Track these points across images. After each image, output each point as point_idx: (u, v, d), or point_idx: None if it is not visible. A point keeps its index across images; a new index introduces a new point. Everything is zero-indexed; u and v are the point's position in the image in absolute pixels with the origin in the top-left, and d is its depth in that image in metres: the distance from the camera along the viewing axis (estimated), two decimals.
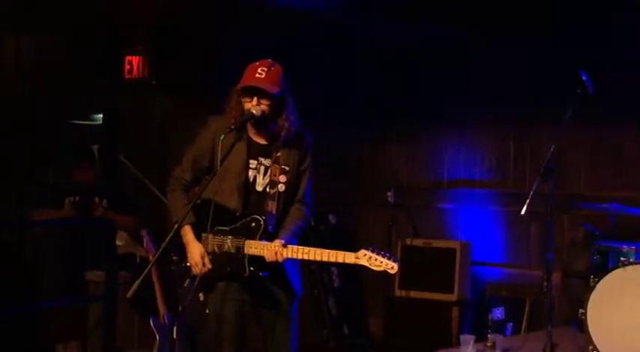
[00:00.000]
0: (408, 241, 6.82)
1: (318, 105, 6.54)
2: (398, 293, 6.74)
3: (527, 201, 4.87)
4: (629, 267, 4.81)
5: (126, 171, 6.00)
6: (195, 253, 3.90)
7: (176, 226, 3.78)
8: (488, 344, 5.24)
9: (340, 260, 3.78)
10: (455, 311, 6.47)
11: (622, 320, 4.73)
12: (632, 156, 6.36)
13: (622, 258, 5.05)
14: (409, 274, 6.65)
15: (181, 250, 3.97)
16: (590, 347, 4.81)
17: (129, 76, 6.75)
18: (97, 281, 5.66)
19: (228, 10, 6.12)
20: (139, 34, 6.60)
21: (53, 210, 5.85)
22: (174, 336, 4.41)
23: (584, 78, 4.93)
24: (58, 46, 6.55)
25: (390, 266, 3.71)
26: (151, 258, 5.39)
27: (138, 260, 5.82)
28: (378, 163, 7.55)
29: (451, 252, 6.65)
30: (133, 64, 6.66)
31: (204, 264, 3.90)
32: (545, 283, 5.30)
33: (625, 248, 5.15)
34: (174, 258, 4.02)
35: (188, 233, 3.94)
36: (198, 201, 3.90)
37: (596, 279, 4.88)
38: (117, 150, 6.24)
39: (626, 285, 4.76)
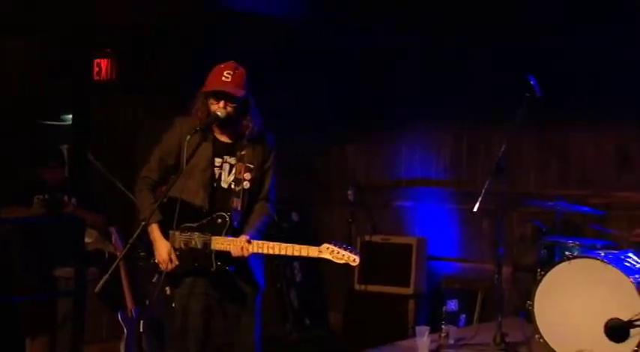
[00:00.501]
0: (367, 237, 6.84)
1: (282, 107, 6.54)
2: (357, 287, 6.76)
3: (480, 199, 4.91)
4: (574, 261, 4.84)
5: (95, 171, 5.96)
6: (163, 250, 3.90)
7: (143, 224, 3.78)
8: (443, 335, 5.28)
9: (304, 254, 3.80)
10: (411, 304, 6.53)
11: (566, 310, 4.76)
12: (577, 156, 6.45)
13: (567, 252, 5.11)
14: (368, 269, 6.65)
15: (149, 246, 3.96)
16: (537, 336, 4.85)
17: (97, 78, 6.70)
18: (67, 277, 5.61)
19: (194, 14, 6.10)
20: (108, 37, 6.55)
21: (23, 208, 5.79)
22: (141, 330, 4.38)
23: (532, 82, 5.01)
24: (29, 49, 6.48)
25: (352, 258, 3.74)
26: (118, 254, 5.36)
27: (106, 256, 5.78)
28: (339, 163, 7.55)
29: (408, 247, 6.69)
30: (102, 66, 6.62)
31: (171, 261, 3.89)
32: (496, 276, 5.35)
33: (570, 243, 5.23)
34: (141, 254, 4.00)
35: (155, 231, 3.93)
36: (165, 200, 3.88)
37: (543, 273, 4.90)
38: (86, 150, 6.19)
39: (571, 278, 4.78)
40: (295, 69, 7.08)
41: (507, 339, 5.03)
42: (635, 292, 4.50)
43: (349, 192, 7.06)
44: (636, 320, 4.34)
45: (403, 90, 7.09)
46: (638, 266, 4.78)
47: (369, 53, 7.12)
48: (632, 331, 4.38)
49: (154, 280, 3.97)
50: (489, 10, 6.21)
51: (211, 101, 3.88)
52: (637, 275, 4.63)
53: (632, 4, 5.73)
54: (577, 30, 6.11)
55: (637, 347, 4.33)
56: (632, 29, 5.94)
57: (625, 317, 4.41)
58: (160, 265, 3.90)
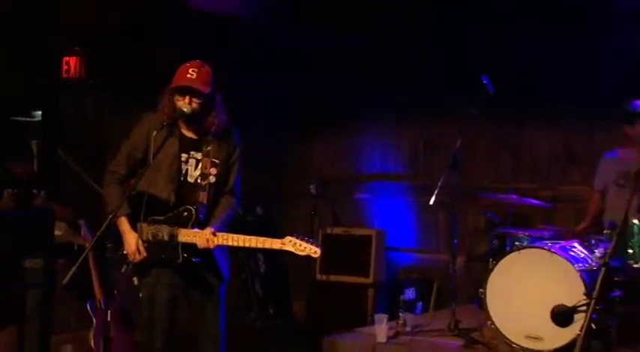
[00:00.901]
0: (329, 230, 6.88)
1: (247, 104, 6.53)
2: (319, 277, 6.79)
3: (436, 192, 4.98)
4: (523, 251, 4.88)
5: (64, 165, 5.90)
6: (131, 242, 3.89)
7: (110, 216, 3.77)
8: (400, 322, 5.32)
9: (267, 246, 3.81)
10: (370, 293, 6.56)
11: (516, 297, 4.79)
12: (527, 152, 6.55)
13: (517, 243, 5.16)
14: (329, 259, 6.69)
15: (117, 238, 3.95)
16: (489, 322, 4.88)
17: (66, 76, 6.63)
18: (36, 268, 5.56)
19: (160, 14, 6.06)
20: (76, 36, 6.48)
21: None
22: (109, 319, 4.37)
23: (485, 81, 5.07)
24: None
25: (314, 250, 3.76)
26: (87, 246, 5.33)
27: (75, 248, 5.73)
28: (302, 159, 7.57)
29: (368, 239, 6.73)
30: (70, 64, 6.55)
31: (139, 252, 3.89)
32: (450, 266, 5.43)
33: (520, 234, 5.25)
34: (109, 246, 4.00)
35: (124, 223, 3.92)
36: (133, 193, 3.88)
37: (495, 262, 4.93)
38: (55, 145, 6.13)
39: (520, 267, 4.82)
40: (260, 68, 7.07)
41: (461, 325, 5.12)
42: (579, 280, 4.55)
43: (312, 186, 7.07)
44: (580, 306, 4.41)
45: (364, 89, 7.13)
46: (582, 255, 4.83)
47: (332, 53, 7.14)
48: (576, 316, 4.46)
49: (122, 271, 3.97)
50: (443, 14, 6.26)
51: (177, 97, 3.87)
52: (581, 264, 4.70)
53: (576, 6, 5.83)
54: (525, 30, 6.20)
55: (580, 331, 4.41)
56: (577, 32, 6.05)
57: (570, 304, 4.47)
58: (129, 256, 3.90)
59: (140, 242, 3.89)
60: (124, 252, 3.92)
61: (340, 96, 7.24)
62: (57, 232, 5.76)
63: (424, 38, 6.64)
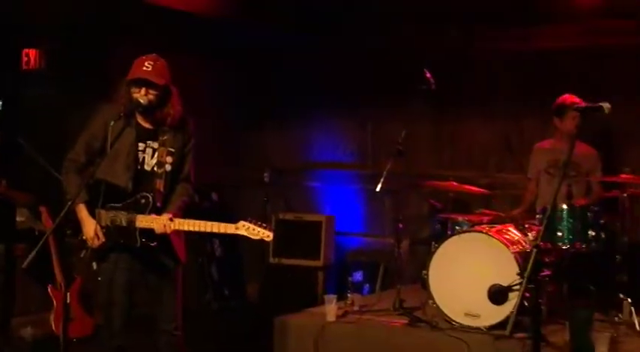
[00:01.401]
0: (281, 215, 6.87)
1: (204, 97, 6.49)
2: (272, 260, 6.79)
3: (382, 180, 5.00)
4: (463, 235, 4.95)
5: (25, 154, 5.79)
6: (90, 228, 3.85)
7: (69, 203, 3.72)
8: (348, 302, 5.33)
9: (222, 230, 3.82)
10: (320, 275, 6.60)
11: (456, 278, 4.84)
12: (467, 142, 6.63)
13: (457, 227, 5.22)
14: (282, 244, 6.70)
15: (76, 225, 3.91)
16: (431, 302, 4.93)
17: (26, 68, 6.50)
18: None
19: (117, 6, 5.97)
20: (37, 28, 6.34)
21: None
22: (69, 301, 4.32)
23: (427, 75, 5.12)
24: None
25: (266, 234, 3.78)
26: (48, 231, 5.27)
27: (37, 233, 5.65)
28: (256, 148, 7.53)
29: (318, 224, 6.75)
30: (30, 56, 6.42)
31: (98, 237, 3.86)
32: (396, 249, 5.46)
33: (460, 218, 5.30)
34: (68, 232, 3.95)
35: (82, 210, 3.88)
36: (91, 181, 3.85)
37: (437, 245, 4.97)
38: (16, 135, 6.01)
39: (460, 249, 4.87)
40: (217, 62, 7.02)
41: (405, 305, 5.16)
42: (513, 261, 4.63)
43: (265, 174, 7.07)
44: (514, 285, 4.49)
45: (316, 84, 7.12)
46: (517, 238, 4.91)
47: (286, 50, 7.10)
48: (511, 295, 4.51)
49: (81, 256, 3.93)
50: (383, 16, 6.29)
51: (133, 89, 3.85)
52: (515, 247, 4.77)
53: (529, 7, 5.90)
54: (468, 31, 6.28)
55: (513, 309, 4.49)
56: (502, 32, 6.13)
57: (505, 283, 4.49)
58: (88, 241, 3.86)
59: (98, 228, 3.85)
60: (83, 237, 3.89)
61: (293, 90, 7.23)
62: (19, 218, 5.69)
63: (371, 39, 6.66)
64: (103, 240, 3.86)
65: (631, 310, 4.85)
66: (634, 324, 4.79)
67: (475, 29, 6.26)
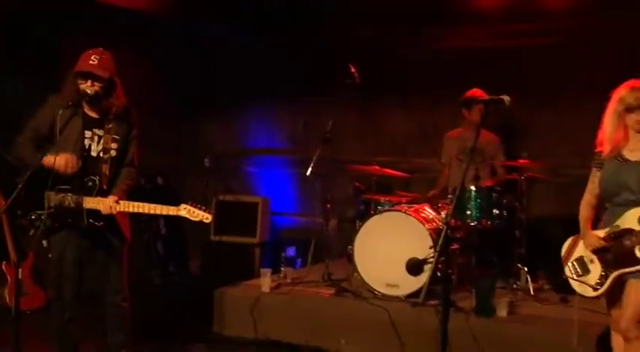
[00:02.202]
0: (221, 197, 6.83)
1: (150, 88, 6.37)
2: (213, 238, 6.76)
3: (312, 165, 5.04)
4: (384, 214, 5.02)
5: None
6: (62, 160, 3.72)
7: (28, 173, 3.56)
8: (282, 275, 5.40)
9: (165, 212, 3.80)
10: (257, 251, 6.61)
11: (378, 252, 4.92)
12: (388, 131, 6.71)
13: (379, 207, 5.28)
14: (222, 223, 6.69)
15: (26, 206, 3.82)
16: (355, 274, 5.01)
17: None
18: None
19: (64, 4, 5.80)
20: None
21: None
22: (20, 277, 4.22)
23: (352, 70, 5.15)
24: None
25: (206, 216, 3.77)
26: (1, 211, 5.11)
27: None
28: (198, 136, 7.47)
29: (254, 205, 6.75)
30: None
31: (72, 165, 3.73)
32: (324, 227, 5.53)
33: (382, 199, 5.37)
34: (18, 212, 3.86)
35: (48, 160, 3.72)
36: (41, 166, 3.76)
37: (361, 223, 5.04)
38: None
39: (382, 227, 4.95)
40: (163, 57, 6.90)
41: (333, 277, 5.23)
42: (428, 237, 4.73)
43: (206, 160, 7.01)
44: (429, 258, 4.59)
45: (252, 77, 7.08)
46: (431, 216, 5.02)
47: (225, 45, 7.05)
48: (425, 267, 4.66)
49: (30, 234, 3.85)
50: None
51: (80, 81, 3.79)
52: (430, 224, 4.87)
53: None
54: (386, 29, 6.33)
55: (427, 280, 4.57)
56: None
57: (421, 257, 4.67)
58: (64, 168, 3.73)
59: (70, 158, 3.72)
60: (32, 217, 3.81)
61: (232, 83, 7.17)
62: None
63: (304, 39, 6.67)
64: (76, 168, 3.74)
65: (527, 278, 5.04)
66: (529, 290, 4.98)
67: (396, 29, 6.32)
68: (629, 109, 3.39)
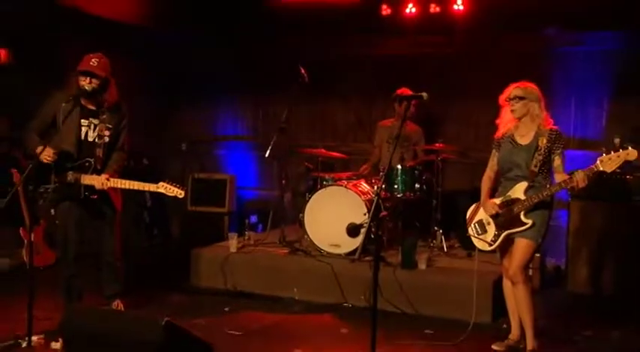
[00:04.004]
0: (196, 175, 6.78)
1: (138, 85, 6.24)
2: (190, 208, 6.72)
3: (270, 149, 5.05)
4: (328, 188, 5.05)
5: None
6: (43, 150, 3.71)
7: (34, 160, 3.63)
8: (246, 238, 5.41)
9: (146, 188, 3.84)
10: (226, 219, 6.58)
11: (323, 219, 4.95)
12: (331, 120, 6.74)
13: (324, 182, 5.27)
14: (197, 196, 6.67)
15: (36, 181, 3.83)
16: (306, 236, 5.05)
17: None
18: None
19: (59, 15, 5.64)
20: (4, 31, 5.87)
21: None
22: (32, 239, 4.20)
23: (302, 71, 5.17)
24: None
25: (179, 192, 3.82)
26: (17, 184, 5.01)
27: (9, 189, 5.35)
28: (177, 124, 7.36)
29: (224, 181, 6.71)
30: (1, 54, 5.95)
31: (47, 156, 3.71)
32: (281, 199, 5.56)
33: (326, 176, 5.37)
34: (30, 187, 3.85)
35: (39, 149, 3.73)
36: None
37: (310, 196, 5.07)
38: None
39: (326, 198, 4.98)
40: (146, 60, 6.77)
41: (288, 239, 5.26)
42: (363, 206, 4.79)
43: (183, 144, 6.98)
44: (364, 223, 4.69)
45: (221, 75, 7.02)
46: (366, 190, 5.07)
47: (198, 48, 6.95)
48: (361, 230, 4.74)
49: (39, 204, 3.88)
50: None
51: (81, 78, 3.82)
52: (365, 196, 4.93)
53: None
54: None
55: (363, 240, 4.68)
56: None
57: (358, 222, 4.76)
58: (42, 157, 3.70)
59: (48, 150, 3.70)
60: (41, 190, 3.83)
61: (205, 81, 7.09)
62: None
63: (263, 44, 6.63)
64: (56, 157, 3.72)
65: (442, 238, 5.20)
66: (443, 248, 5.15)
67: (340, 39, 6.33)
68: (507, 101, 3.57)
